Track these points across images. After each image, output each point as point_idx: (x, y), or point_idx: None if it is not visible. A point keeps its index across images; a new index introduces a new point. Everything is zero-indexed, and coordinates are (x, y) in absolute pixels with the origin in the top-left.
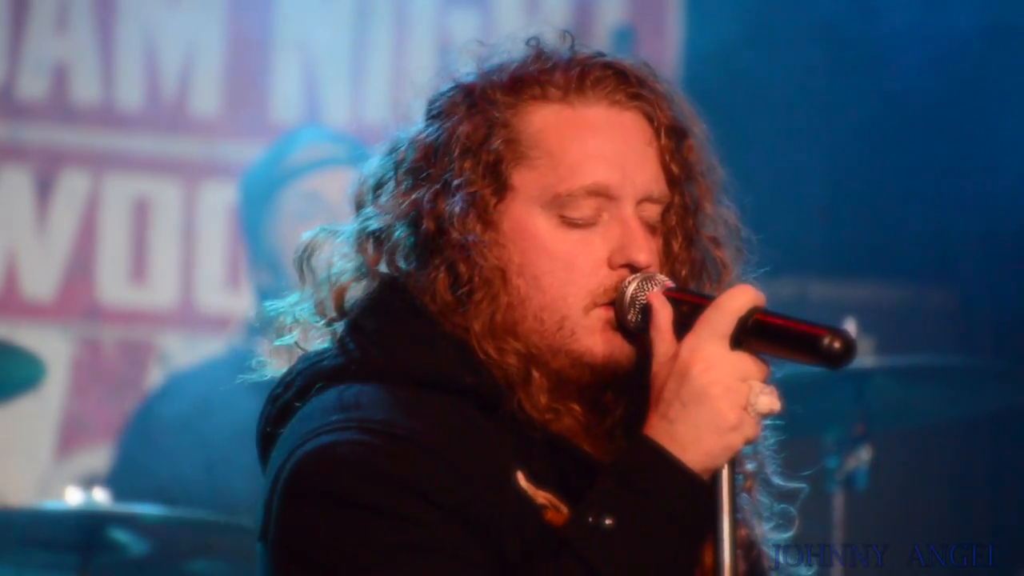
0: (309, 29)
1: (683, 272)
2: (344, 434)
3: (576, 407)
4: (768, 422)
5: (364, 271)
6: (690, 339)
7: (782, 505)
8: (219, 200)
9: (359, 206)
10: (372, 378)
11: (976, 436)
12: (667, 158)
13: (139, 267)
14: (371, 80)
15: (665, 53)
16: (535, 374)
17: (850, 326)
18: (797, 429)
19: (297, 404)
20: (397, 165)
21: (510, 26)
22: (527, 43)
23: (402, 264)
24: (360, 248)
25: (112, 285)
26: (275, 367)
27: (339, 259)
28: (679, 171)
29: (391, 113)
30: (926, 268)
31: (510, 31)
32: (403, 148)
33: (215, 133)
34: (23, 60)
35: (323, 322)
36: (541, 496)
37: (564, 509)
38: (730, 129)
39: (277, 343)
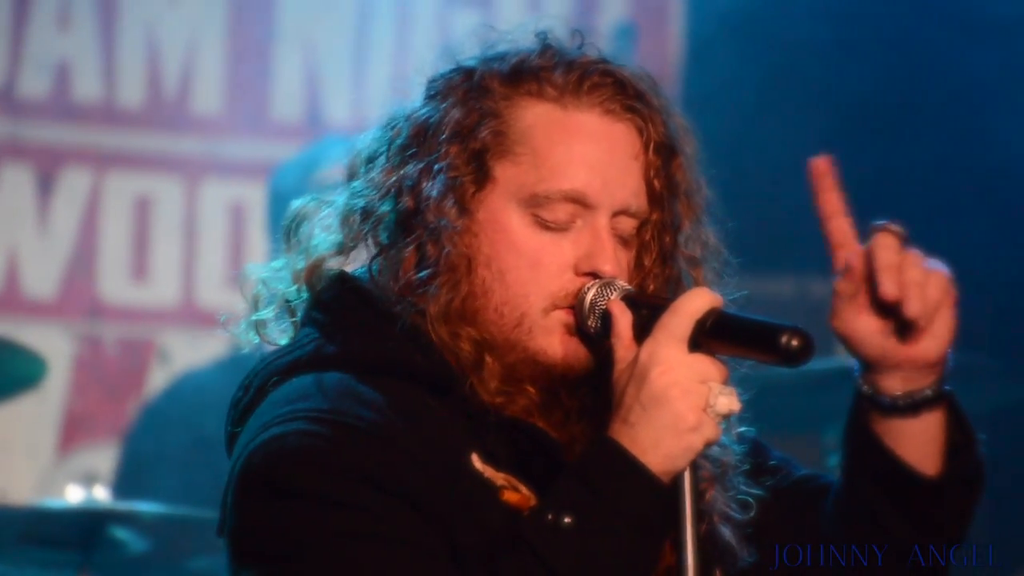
0: (310, 27)
1: (651, 287)
2: (291, 425)
3: (530, 388)
4: (741, 428)
5: (341, 246)
6: (648, 344)
7: (743, 495)
8: (220, 198)
9: (350, 178)
10: (325, 369)
11: (979, 429)
12: (651, 174)
13: (140, 265)
14: (372, 79)
15: (666, 49)
16: (488, 359)
17: None
18: (798, 427)
19: (256, 403)
20: (390, 141)
21: (506, 26)
22: (536, 36)
23: (383, 238)
24: (344, 223)
25: (113, 283)
26: (243, 334)
27: (321, 231)
28: (662, 188)
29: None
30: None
31: (516, 26)
32: (398, 125)
33: (216, 131)
34: (24, 58)
35: (292, 291)
36: (500, 477)
37: (523, 489)
38: (731, 125)
39: (252, 317)
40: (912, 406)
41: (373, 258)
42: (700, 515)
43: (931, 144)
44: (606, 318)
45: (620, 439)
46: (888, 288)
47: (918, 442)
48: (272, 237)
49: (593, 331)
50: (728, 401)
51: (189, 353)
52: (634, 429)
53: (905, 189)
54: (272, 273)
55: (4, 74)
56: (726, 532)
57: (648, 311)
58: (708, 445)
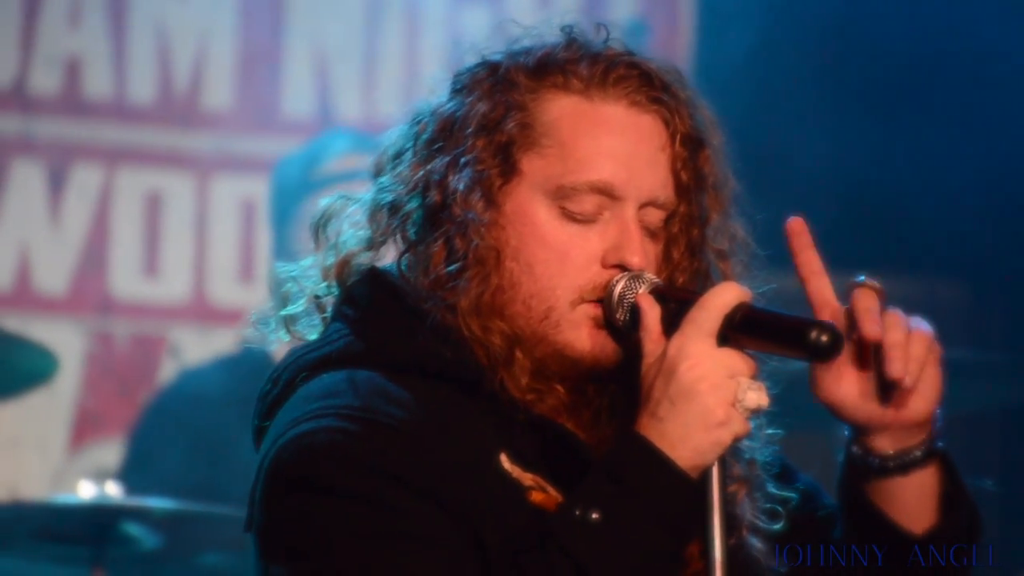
0: (321, 23)
1: (681, 280)
2: (322, 421)
3: (559, 388)
4: (770, 430)
5: (370, 242)
6: (677, 338)
7: (770, 504)
8: (231, 194)
9: (377, 174)
10: (354, 366)
11: (986, 431)
12: (678, 166)
13: (151, 261)
14: (382, 74)
15: (677, 46)
16: (518, 355)
17: None
18: (808, 423)
19: (285, 397)
20: (416, 136)
21: (522, 22)
22: (561, 30)
23: (411, 234)
24: (372, 219)
25: (124, 279)
26: (273, 331)
27: (349, 227)
28: (689, 180)
29: (402, 107)
30: (937, 262)
31: (540, 21)
32: (424, 120)
33: (227, 127)
34: (36, 54)
35: (323, 287)
36: (528, 478)
37: (551, 490)
38: (740, 121)
39: (282, 313)
40: (902, 467)
41: (402, 254)
42: (730, 525)
43: (943, 135)
44: (634, 311)
45: (648, 434)
46: (870, 332)
47: (910, 500)
48: (275, 231)
49: (621, 324)
50: (757, 396)
51: (200, 349)
52: (662, 424)
53: (916, 183)
54: (301, 271)
55: (15, 71)
56: (755, 543)
57: (676, 305)
58: (737, 440)
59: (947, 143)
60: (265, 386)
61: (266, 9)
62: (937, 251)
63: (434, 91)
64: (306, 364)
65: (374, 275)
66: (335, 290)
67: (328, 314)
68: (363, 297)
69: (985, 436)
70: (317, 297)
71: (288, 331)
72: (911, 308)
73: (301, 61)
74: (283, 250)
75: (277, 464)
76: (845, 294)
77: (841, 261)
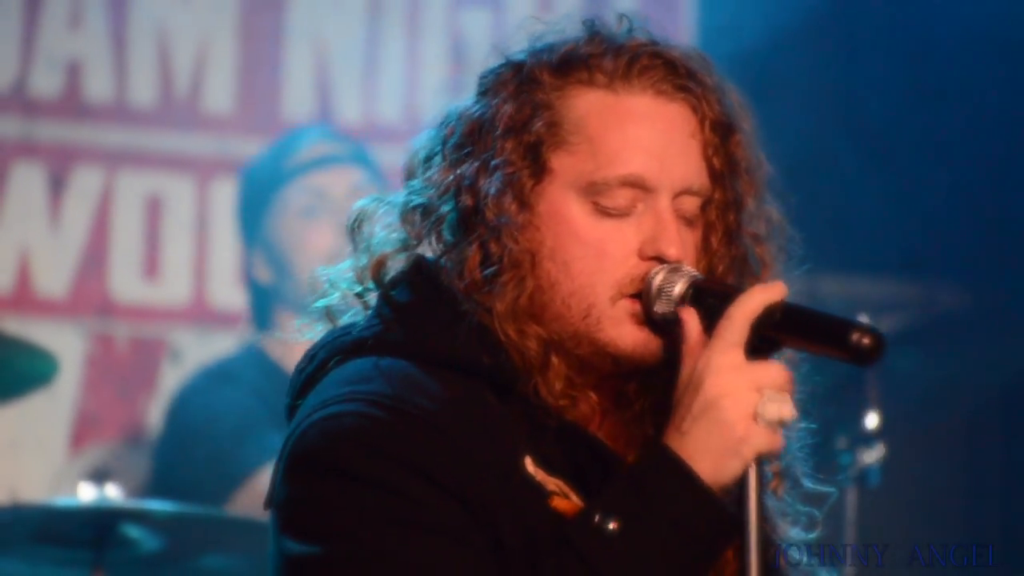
0: (321, 26)
1: (720, 268)
2: (350, 406)
3: (593, 395)
4: (801, 425)
5: (405, 243)
6: (705, 351)
7: (807, 508)
8: (232, 196)
9: (409, 177)
10: (389, 354)
11: (988, 433)
12: (710, 152)
13: (152, 263)
14: (383, 77)
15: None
16: (554, 360)
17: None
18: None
19: (318, 377)
20: (445, 140)
21: (531, 22)
22: (583, 24)
23: (447, 237)
24: (404, 220)
25: (125, 281)
26: (312, 332)
27: (382, 229)
28: (722, 166)
29: (403, 110)
30: (937, 264)
31: (562, 16)
32: (452, 123)
33: (227, 130)
34: (36, 57)
35: (359, 289)
36: (552, 483)
37: (574, 497)
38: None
39: (318, 304)
40: None
41: (439, 258)
42: (766, 563)
43: (947, 144)
44: (675, 319)
45: (672, 446)
46: None
47: None
48: (243, 227)
49: (660, 318)
50: (777, 408)
51: (200, 351)
52: (684, 438)
53: (923, 187)
54: (339, 274)
55: (16, 73)
56: (783, 529)
57: (715, 300)
58: (760, 455)
59: (951, 144)
60: (302, 361)
61: (267, 11)
62: (938, 253)
63: (461, 94)
64: (342, 346)
65: (419, 266)
66: (371, 286)
67: (372, 306)
68: (408, 287)
69: (988, 438)
70: (357, 295)
71: (329, 317)
72: (910, 311)
73: (301, 64)
74: (258, 251)
75: (301, 444)
76: (843, 294)
77: (843, 263)
